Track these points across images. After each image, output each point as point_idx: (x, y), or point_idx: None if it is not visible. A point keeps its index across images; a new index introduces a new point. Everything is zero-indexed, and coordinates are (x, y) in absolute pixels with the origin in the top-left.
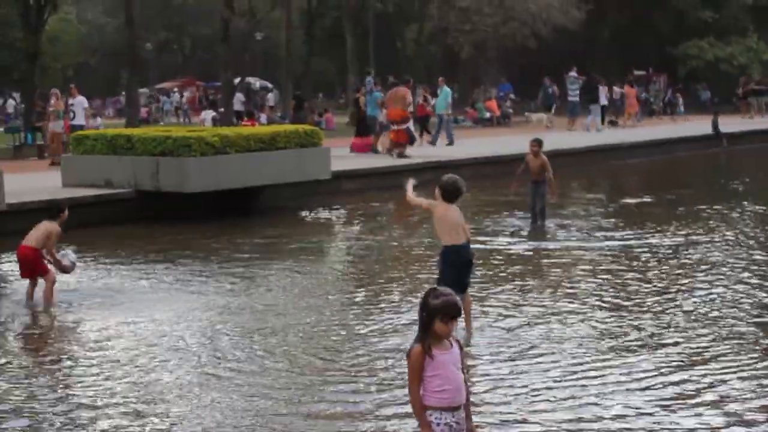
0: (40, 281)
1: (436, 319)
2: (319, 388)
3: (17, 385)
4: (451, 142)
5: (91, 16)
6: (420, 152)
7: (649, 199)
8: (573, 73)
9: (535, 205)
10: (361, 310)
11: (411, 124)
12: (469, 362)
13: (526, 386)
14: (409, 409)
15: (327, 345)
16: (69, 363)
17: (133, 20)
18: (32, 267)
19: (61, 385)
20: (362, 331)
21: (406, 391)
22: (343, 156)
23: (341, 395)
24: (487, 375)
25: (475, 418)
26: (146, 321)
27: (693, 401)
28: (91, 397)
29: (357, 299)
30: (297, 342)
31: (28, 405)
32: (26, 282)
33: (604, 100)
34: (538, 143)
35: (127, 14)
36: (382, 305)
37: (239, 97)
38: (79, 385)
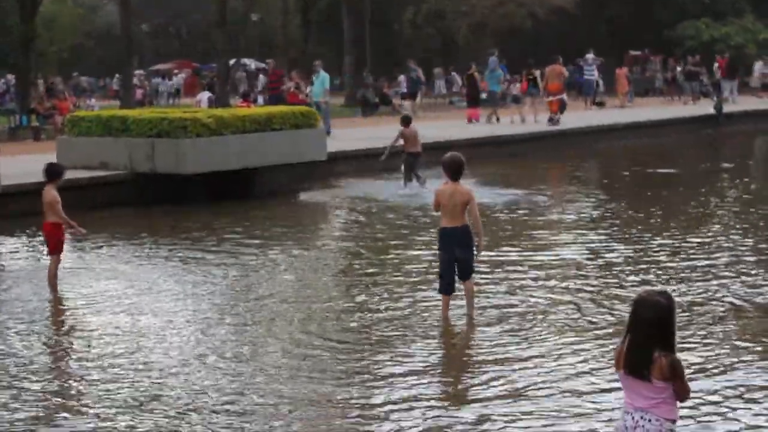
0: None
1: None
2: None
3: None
4: (326, 132)
5: None
6: None
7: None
8: (590, 55)
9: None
10: (366, 293)
11: (565, 96)
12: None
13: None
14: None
15: (336, 327)
16: (67, 345)
17: (128, 2)
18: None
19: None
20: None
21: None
22: (337, 137)
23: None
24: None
25: None
26: (146, 306)
27: None
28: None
29: (360, 282)
30: (305, 325)
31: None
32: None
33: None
34: (402, 120)
35: None
36: (388, 286)
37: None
38: (78, 366)
